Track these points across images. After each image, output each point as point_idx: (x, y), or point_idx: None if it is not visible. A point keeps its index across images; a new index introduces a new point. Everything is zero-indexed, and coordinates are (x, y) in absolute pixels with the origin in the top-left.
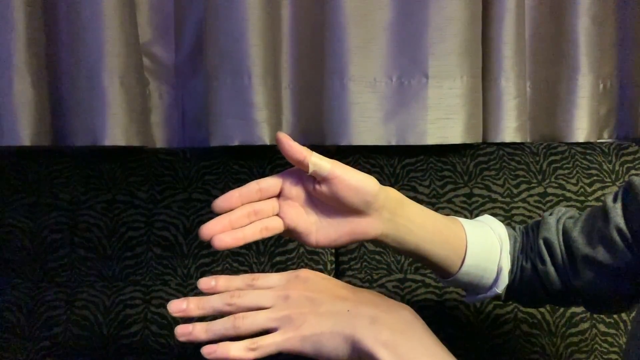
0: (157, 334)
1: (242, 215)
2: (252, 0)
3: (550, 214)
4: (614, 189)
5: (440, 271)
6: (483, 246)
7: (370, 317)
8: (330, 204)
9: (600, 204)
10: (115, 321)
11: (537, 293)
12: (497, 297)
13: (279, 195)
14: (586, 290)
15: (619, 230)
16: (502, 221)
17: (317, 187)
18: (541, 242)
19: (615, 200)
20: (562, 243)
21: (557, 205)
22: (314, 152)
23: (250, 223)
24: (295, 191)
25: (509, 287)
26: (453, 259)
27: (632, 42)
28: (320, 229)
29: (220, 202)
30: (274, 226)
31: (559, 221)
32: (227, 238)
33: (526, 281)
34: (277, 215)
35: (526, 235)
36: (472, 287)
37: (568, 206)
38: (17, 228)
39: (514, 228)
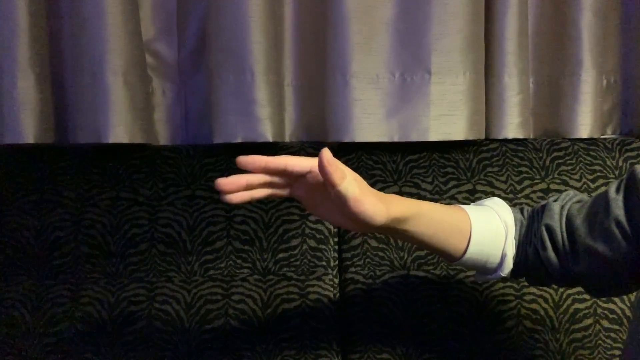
0: (162, 330)
1: (259, 181)
2: None
3: (555, 200)
4: None
5: (443, 257)
6: (487, 234)
7: None
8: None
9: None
10: (120, 317)
11: (540, 275)
12: (502, 279)
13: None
14: (586, 276)
15: (618, 223)
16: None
17: (332, 194)
18: (543, 228)
19: (617, 190)
20: (564, 230)
21: None
22: (347, 175)
23: (261, 187)
24: (314, 180)
25: (514, 269)
26: (456, 248)
27: (636, 38)
28: (324, 211)
29: (245, 162)
30: (281, 195)
31: (563, 207)
32: (236, 199)
33: (530, 264)
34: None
35: (531, 220)
36: (477, 270)
37: None
38: (21, 225)
39: (522, 210)
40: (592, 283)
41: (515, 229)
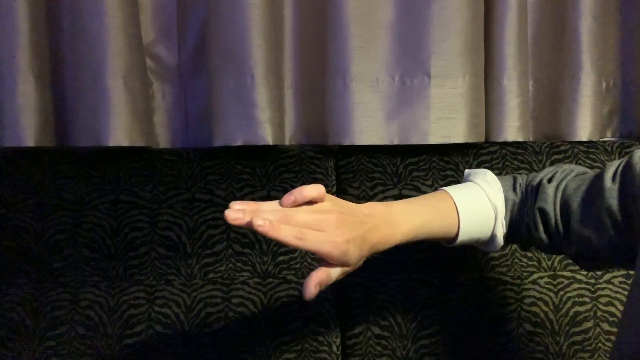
0: (161, 334)
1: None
2: (254, 0)
3: (550, 179)
4: None
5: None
6: (476, 220)
7: None
8: None
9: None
10: (120, 321)
11: (530, 247)
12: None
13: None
14: (575, 255)
15: (610, 213)
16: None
17: None
18: (537, 211)
19: (613, 179)
20: (558, 213)
21: None
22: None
23: None
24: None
25: (505, 243)
26: (445, 240)
27: (635, 40)
28: None
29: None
30: None
31: (557, 189)
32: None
33: (523, 240)
34: None
35: (524, 197)
36: (470, 246)
37: None
38: (21, 228)
39: (514, 183)
40: (580, 260)
41: (506, 210)
